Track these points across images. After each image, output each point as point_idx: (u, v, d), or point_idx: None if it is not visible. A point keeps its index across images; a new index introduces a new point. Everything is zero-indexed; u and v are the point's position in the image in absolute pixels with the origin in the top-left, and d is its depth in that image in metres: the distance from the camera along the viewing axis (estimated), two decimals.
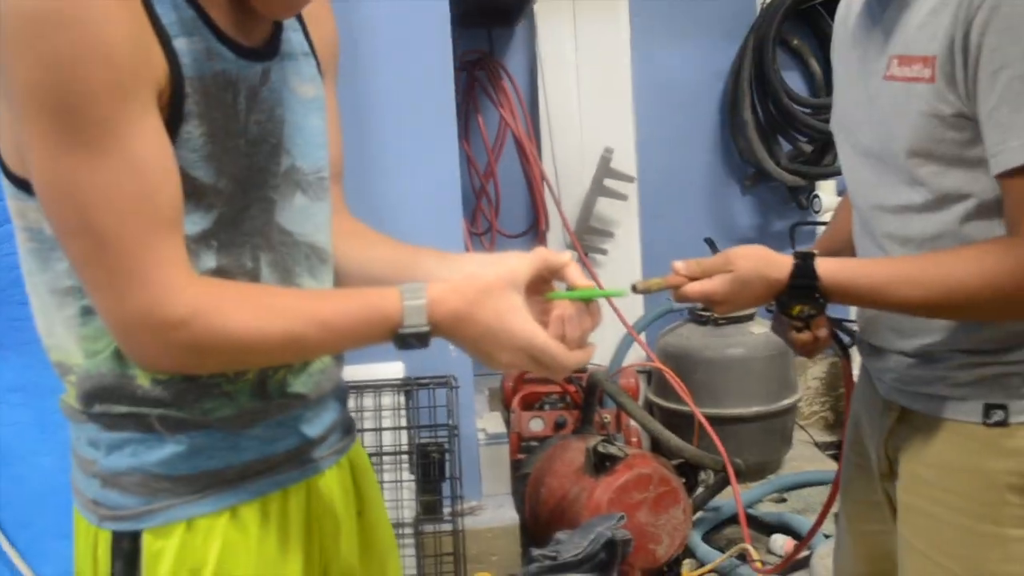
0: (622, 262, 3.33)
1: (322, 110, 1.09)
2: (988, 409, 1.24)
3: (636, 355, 3.19)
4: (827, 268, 1.22)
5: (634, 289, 1.23)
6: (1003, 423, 1.23)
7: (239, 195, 0.98)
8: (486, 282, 0.98)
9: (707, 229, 3.48)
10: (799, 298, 1.24)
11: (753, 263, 1.23)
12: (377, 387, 2.37)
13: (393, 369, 2.43)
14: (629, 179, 3.33)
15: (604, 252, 3.35)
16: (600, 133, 3.32)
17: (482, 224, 3.35)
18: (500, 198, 3.34)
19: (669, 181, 3.56)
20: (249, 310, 0.91)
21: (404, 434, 2.30)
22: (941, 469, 1.28)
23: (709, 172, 3.63)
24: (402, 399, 2.39)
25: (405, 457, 2.22)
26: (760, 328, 3.03)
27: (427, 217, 2.35)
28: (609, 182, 3.31)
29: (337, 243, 1.14)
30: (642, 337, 3.09)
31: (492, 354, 0.98)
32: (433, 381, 2.40)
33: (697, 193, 3.63)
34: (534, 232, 3.37)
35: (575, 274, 1.05)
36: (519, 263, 1.01)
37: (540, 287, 1.04)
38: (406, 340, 0.96)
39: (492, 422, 2.77)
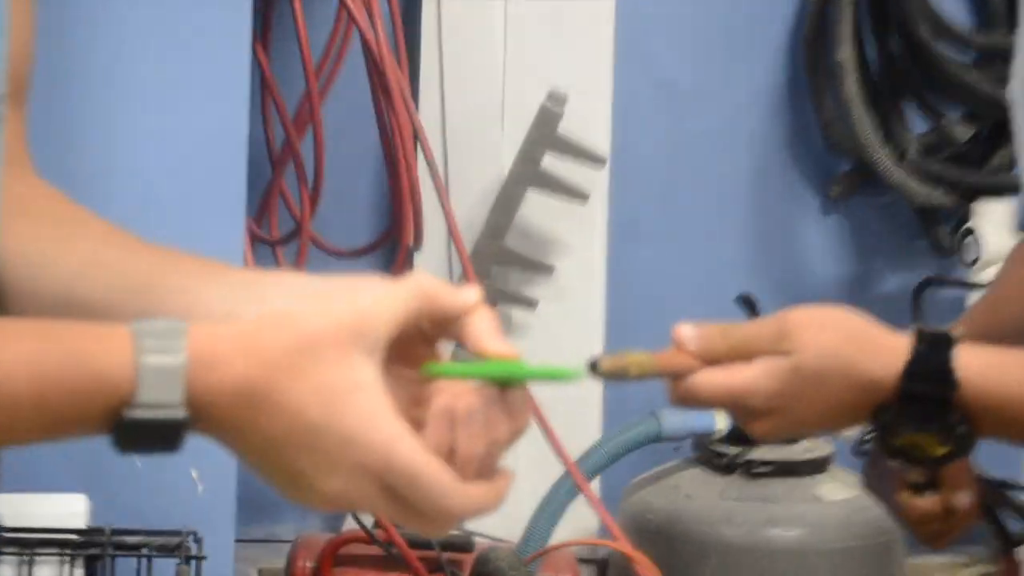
0: (568, 323, 2.39)
1: None
2: None
3: (579, 522, 2.24)
4: (977, 363, 0.91)
5: (593, 369, 0.83)
6: None
7: None
8: (308, 331, 0.62)
9: (744, 276, 2.48)
10: (919, 420, 0.92)
11: (833, 342, 0.92)
12: (28, 544, 1.66)
13: (67, 508, 1.79)
14: (596, 161, 2.22)
15: (533, 304, 2.32)
16: (543, 74, 2.32)
17: (281, 223, 2.22)
18: (323, 173, 2.18)
19: (673, 178, 2.53)
20: None
21: None
22: None
23: (756, 166, 2.57)
24: (79, 573, 1.73)
25: None
26: (841, 491, 2.19)
27: (172, 200, 1.73)
28: (552, 162, 2.20)
29: (8, 224, 0.82)
30: (594, 488, 2.19)
31: (309, 476, 0.63)
32: (149, 541, 1.72)
33: (729, 205, 2.57)
34: (389, 248, 2.29)
35: (484, 330, 0.66)
36: (379, 299, 0.65)
37: (415, 350, 0.68)
38: (137, 432, 0.60)
39: None
